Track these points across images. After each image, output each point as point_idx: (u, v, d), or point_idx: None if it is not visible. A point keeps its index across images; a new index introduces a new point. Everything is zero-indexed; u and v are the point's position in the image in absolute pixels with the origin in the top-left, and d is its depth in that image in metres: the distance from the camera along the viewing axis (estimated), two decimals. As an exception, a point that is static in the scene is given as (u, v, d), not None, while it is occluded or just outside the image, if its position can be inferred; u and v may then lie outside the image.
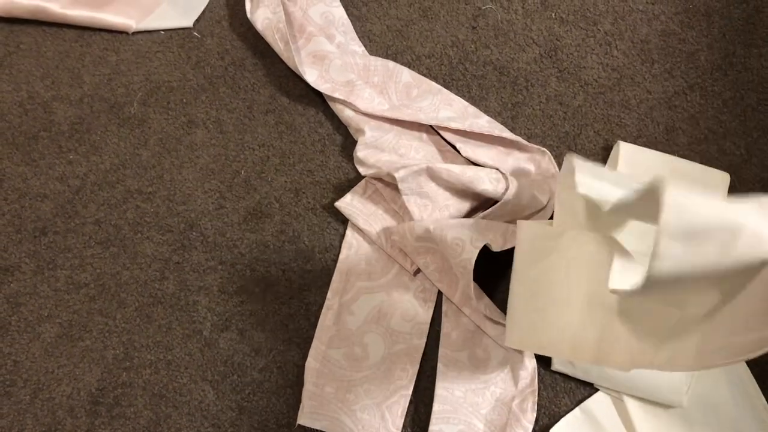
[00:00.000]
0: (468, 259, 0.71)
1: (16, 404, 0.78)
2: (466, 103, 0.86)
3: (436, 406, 0.74)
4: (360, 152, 0.83)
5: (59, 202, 0.86)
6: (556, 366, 0.74)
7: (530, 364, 0.74)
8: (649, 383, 0.71)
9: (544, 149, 0.82)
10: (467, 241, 0.72)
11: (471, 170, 0.78)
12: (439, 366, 0.76)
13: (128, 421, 0.77)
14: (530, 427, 0.72)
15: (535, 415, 0.72)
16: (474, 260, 0.71)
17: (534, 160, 0.83)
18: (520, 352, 0.74)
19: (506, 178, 0.78)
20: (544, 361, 0.75)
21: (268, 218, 0.84)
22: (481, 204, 0.81)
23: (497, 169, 0.79)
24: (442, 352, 0.77)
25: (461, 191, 0.79)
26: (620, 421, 0.73)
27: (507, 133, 0.83)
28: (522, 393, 0.73)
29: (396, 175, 0.76)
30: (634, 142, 0.84)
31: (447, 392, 0.75)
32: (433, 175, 0.77)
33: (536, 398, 0.73)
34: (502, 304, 0.76)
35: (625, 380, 0.72)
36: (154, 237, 0.84)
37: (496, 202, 0.80)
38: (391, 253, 0.81)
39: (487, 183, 0.77)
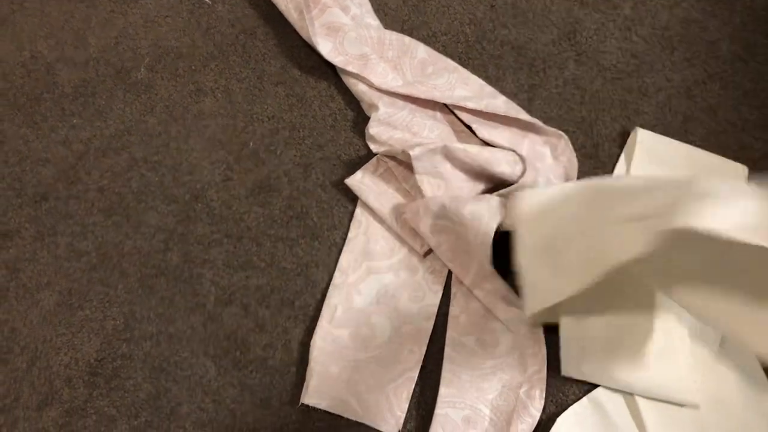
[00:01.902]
0: (486, 233, 0.69)
1: (13, 372, 0.76)
2: (483, 82, 0.84)
3: (443, 390, 0.73)
4: (372, 129, 0.81)
5: (61, 167, 0.84)
6: (567, 371, 0.73)
7: (540, 351, 0.73)
8: (659, 388, 0.70)
9: (561, 132, 0.81)
10: (485, 214, 0.70)
11: (488, 151, 0.76)
12: (447, 349, 0.75)
13: (127, 393, 0.75)
14: (538, 415, 0.71)
15: (543, 403, 0.71)
16: (492, 234, 0.69)
17: (550, 143, 0.81)
18: (530, 337, 0.73)
19: (523, 161, 0.77)
20: (553, 350, 0.74)
21: (275, 192, 0.83)
22: (495, 187, 0.80)
23: (514, 151, 0.78)
24: (450, 335, 0.76)
25: (476, 173, 0.78)
26: (628, 412, 0.72)
27: (523, 115, 0.81)
28: (530, 380, 0.72)
29: (411, 153, 0.74)
30: (651, 131, 0.82)
31: (453, 376, 0.74)
32: (448, 154, 0.76)
33: (544, 386, 0.72)
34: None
35: (635, 384, 0.71)
36: (159, 207, 0.82)
37: (509, 185, 0.78)
38: (400, 233, 0.79)
39: (504, 165, 0.75)
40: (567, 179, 0.79)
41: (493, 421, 0.71)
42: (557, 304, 0.66)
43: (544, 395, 0.72)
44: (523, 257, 0.69)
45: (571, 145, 0.81)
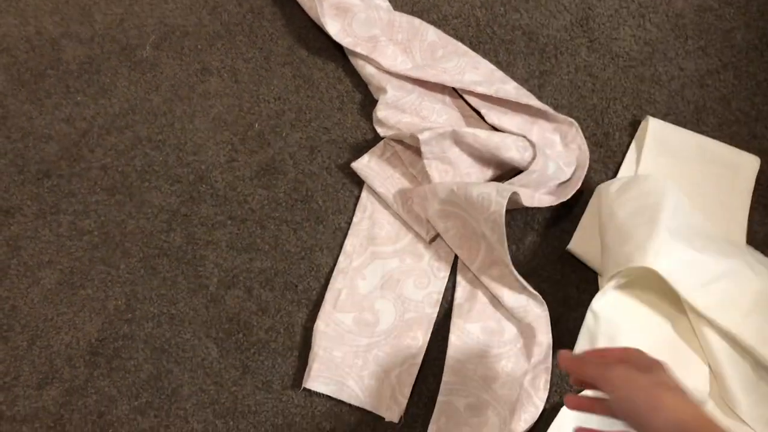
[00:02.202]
0: (497, 212, 0.68)
1: (13, 350, 0.76)
2: (493, 67, 0.83)
3: (446, 377, 0.73)
4: (380, 112, 0.80)
5: (65, 144, 0.83)
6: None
7: (545, 340, 0.72)
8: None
9: (572, 120, 0.79)
10: (493, 193, 0.69)
11: (497, 137, 0.75)
12: (451, 337, 0.74)
13: (128, 374, 0.75)
14: (542, 405, 0.70)
15: (547, 393, 0.71)
16: (504, 211, 0.68)
17: (560, 131, 0.80)
18: (536, 326, 0.72)
19: (533, 147, 0.75)
20: (557, 340, 0.73)
21: (281, 175, 0.82)
22: (503, 174, 0.79)
23: (524, 137, 0.76)
24: (455, 322, 0.75)
25: (485, 158, 0.77)
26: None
27: (534, 101, 0.80)
28: (535, 369, 0.71)
29: (420, 137, 0.73)
30: (663, 120, 0.81)
31: (457, 363, 0.73)
32: (457, 139, 0.75)
33: (549, 376, 0.71)
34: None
35: None
36: (162, 187, 0.81)
37: (518, 172, 0.77)
38: (406, 218, 0.78)
39: (513, 150, 0.74)
40: (578, 167, 0.78)
41: (496, 410, 0.71)
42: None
43: (548, 385, 0.71)
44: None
45: (581, 133, 0.79)
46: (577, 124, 0.79)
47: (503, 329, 0.74)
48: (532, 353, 0.72)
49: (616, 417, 0.50)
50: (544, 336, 0.72)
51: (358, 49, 0.83)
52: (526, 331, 0.73)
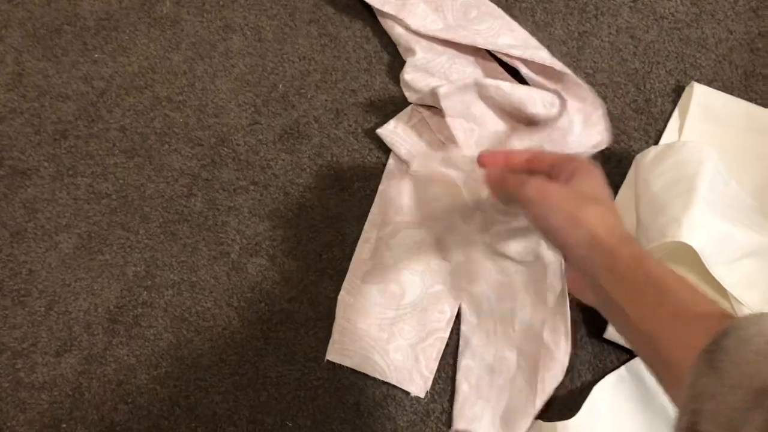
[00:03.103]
0: None
1: (31, 315, 0.74)
2: (528, 34, 0.78)
3: (464, 341, 0.70)
4: (407, 75, 0.76)
5: (82, 104, 0.80)
6: (612, 334, 0.69)
7: (558, 285, 0.68)
8: None
9: (600, 103, 0.74)
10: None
11: (523, 89, 0.70)
12: (462, 305, 0.72)
13: (147, 342, 0.73)
14: (566, 359, 0.67)
15: (570, 346, 0.67)
16: None
17: (584, 112, 0.75)
18: (542, 271, 0.69)
19: (562, 103, 0.70)
20: (589, 316, 0.70)
21: (305, 139, 0.78)
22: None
23: (555, 91, 0.72)
24: (464, 289, 0.72)
25: (509, 113, 0.72)
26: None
27: (569, 72, 0.75)
28: (553, 316, 0.68)
29: (439, 91, 0.69)
30: (709, 86, 0.77)
31: (476, 328, 0.71)
32: (480, 92, 0.70)
33: (569, 325, 0.67)
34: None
35: None
36: (183, 150, 0.78)
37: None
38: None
39: (539, 105, 0.70)
40: (596, 148, 0.74)
41: (521, 368, 0.68)
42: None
43: (569, 337, 0.67)
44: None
45: (607, 117, 0.74)
46: (604, 108, 0.74)
47: (512, 281, 0.71)
48: (546, 299, 0.69)
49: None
50: (556, 280, 0.68)
51: (386, 8, 0.79)
52: (535, 276, 0.70)
